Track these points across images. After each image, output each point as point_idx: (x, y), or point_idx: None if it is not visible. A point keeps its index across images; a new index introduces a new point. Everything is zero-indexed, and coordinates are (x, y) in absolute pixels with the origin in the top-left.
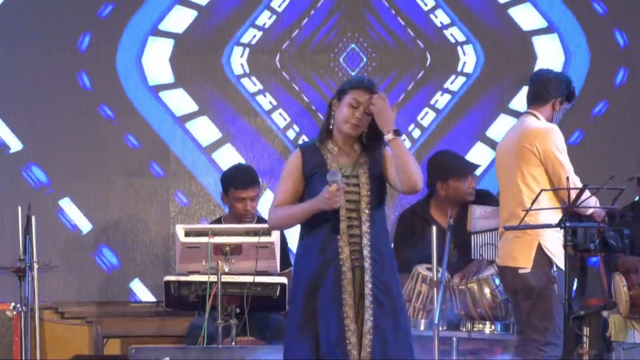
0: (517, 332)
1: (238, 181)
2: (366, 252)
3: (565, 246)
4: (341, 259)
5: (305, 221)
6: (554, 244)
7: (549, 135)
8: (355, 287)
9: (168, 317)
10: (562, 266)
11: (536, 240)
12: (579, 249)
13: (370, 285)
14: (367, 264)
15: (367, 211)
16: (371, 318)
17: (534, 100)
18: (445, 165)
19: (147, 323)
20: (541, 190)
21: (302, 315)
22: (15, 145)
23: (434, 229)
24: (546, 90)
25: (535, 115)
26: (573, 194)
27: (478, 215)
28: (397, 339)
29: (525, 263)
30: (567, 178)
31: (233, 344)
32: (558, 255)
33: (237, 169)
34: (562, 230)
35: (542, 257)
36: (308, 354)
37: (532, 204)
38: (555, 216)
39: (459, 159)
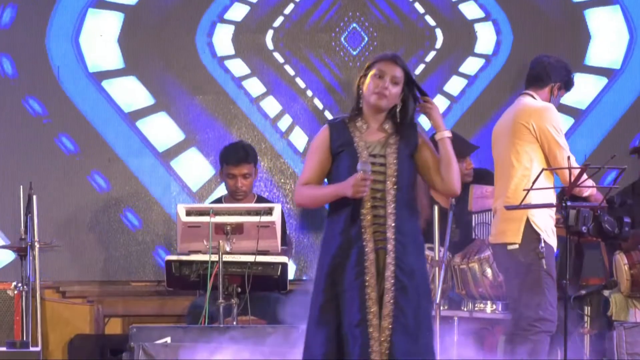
0: (510, 309)
1: (230, 157)
2: (390, 233)
3: (566, 227)
4: (364, 239)
5: (332, 202)
6: (542, 219)
7: (546, 114)
8: (379, 269)
9: (169, 297)
10: (550, 242)
11: (524, 216)
12: (570, 231)
13: (392, 268)
14: (390, 246)
15: (392, 192)
16: (392, 300)
17: (533, 83)
18: None
19: (148, 302)
20: (542, 169)
21: (324, 296)
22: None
23: (436, 208)
24: (546, 73)
25: (532, 96)
26: (573, 174)
27: (479, 194)
28: (417, 323)
29: (514, 238)
30: (569, 157)
31: (234, 323)
32: (546, 231)
33: (232, 145)
34: (562, 210)
35: (530, 233)
36: (329, 334)
37: (534, 183)
38: (548, 194)
39: (458, 139)
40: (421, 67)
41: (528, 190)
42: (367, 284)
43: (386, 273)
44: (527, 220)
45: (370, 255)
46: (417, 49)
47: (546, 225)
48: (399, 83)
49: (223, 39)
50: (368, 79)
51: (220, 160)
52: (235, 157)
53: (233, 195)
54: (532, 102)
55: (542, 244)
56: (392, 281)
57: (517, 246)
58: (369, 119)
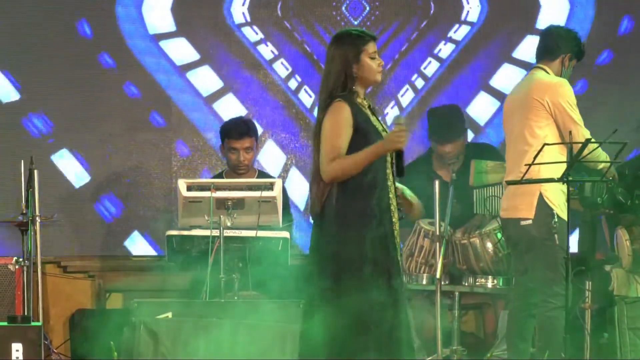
0: (515, 283)
1: (232, 132)
2: (398, 205)
3: (567, 200)
4: (391, 210)
5: (357, 176)
6: (555, 194)
7: (560, 89)
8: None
9: (171, 272)
10: (564, 216)
11: (537, 190)
12: (586, 203)
13: (398, 238)
14: (399, 216)
15: (392, 166)
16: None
17: (544, 55)
18: (431, 126)
19: (149, 277)
20: (544, 145)
21: (370, 265)
22: (14, 95)
23: (437, 183)
24: (557, 45)
25: (545, 70)
26: (571, 148)
27: (480, 169)
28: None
29: (527, 213)
30: (570, 132)
31: (235, 298)
32: (559, 205)
33: (233, 120)
34: (566, 183)
35: (543, 207)
36: (382, 301)
37: (535, 157)
38: (559, 169)
39: (444, 123)
40: (415, 34)
41: (529, 166)
42: (396, 251)
43: (397, 240)
44: (541, 195)
45: (397, 225)
46: (412, 17)
47: (559, 199)
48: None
49: (242, 9)
50: (366, 62)
51: (221, 134)
52: (237, 131)
53: (235, 169)
54: (546, 77)
55: (556, 219)
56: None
57: (530, 221)
58: (362, 97)
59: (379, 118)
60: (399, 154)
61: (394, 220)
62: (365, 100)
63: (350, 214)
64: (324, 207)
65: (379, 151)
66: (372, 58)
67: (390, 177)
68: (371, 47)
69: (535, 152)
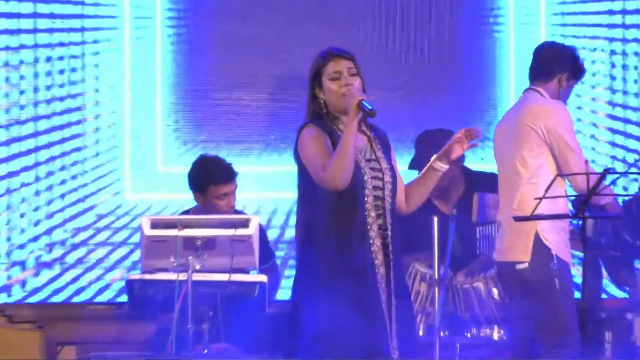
0: (516, 333)
1: (219, 177)
2: (391, 246)
3: (583, 240)
4: (373, 251)
5: (330, 214)
6: (554, 232)
7: (555, 114)
8: (387, 282)
9: (131, 321)
10: (564, 257)
11: (533, 229)
12: (588, 242)
13: (393, 282)
14: (392, 257)
15: (389, 199)
16: (395, 310)
17: (538, 76)
18: None
19: (107, 328)
20: (557, 176)
21: (342, 306)
22: None
23: (435, 219)
24: (551, 64)
25: (539, 92)
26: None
27: (484, 204)
28: (414, 331)
29: (522, 256)
30: (586, 162)
31: (205, 351)
32: (559, 245)
33: (213, 163)
34: (579, 221)
35: (540, 249)
36: (355, 344)
37: (547, 190)
38: (559, 204)
39: (418, 151)
40: None
41: (540, 199)
42: (380, 298)
43: (391, 285)
44: (537, 235)
45: (381, 269)
46: None
47: (558, 239)
48: (356, 73)
49: None
50: (326, 85)
51: (202, 181)
52: (225, 175)
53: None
54: (539, 100)
55: (555, 261)
56: (394, 291)
57: (526, 265)
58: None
59: (380, 149)
60: (363, 106)
61: (373, 249)
62: (363, 125)
63: (320, 241)
64: (301, 233)
65: (349, 120)
66: (334, 79)
67: (370, 199)
68: (331, 67)
69: (530, 185)
